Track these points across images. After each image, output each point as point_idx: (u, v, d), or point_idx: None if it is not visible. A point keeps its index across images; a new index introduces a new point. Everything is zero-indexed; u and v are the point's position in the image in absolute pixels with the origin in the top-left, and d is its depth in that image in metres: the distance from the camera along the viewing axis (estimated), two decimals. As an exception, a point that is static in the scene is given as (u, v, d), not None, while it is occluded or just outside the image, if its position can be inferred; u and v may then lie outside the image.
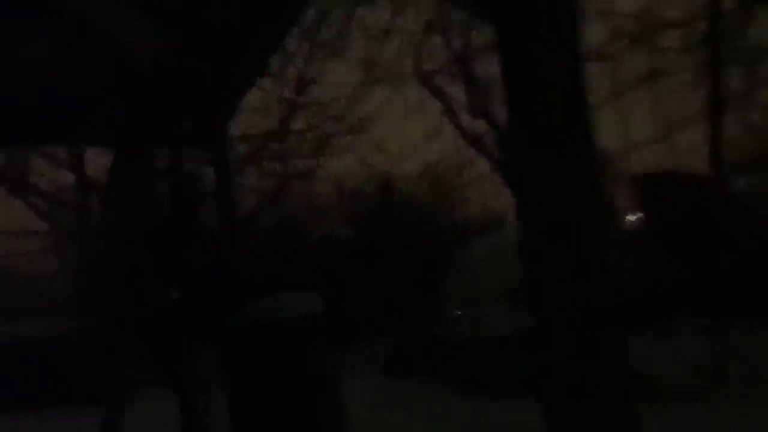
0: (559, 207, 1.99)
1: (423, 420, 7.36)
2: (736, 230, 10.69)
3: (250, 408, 5.58)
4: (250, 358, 5.44)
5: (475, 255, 12.56)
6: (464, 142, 10.22)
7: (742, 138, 11.62)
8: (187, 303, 6.27)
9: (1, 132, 6.08)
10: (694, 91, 10.54)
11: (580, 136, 2.00)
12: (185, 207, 6.66)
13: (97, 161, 11.30)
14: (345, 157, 11.34)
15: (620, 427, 1.92)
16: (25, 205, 11.46)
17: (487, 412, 7.46)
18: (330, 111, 10.46)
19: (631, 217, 13.54)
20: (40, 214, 11.88)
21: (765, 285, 9.70)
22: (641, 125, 11.68)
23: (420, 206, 14.02)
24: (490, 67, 8.82)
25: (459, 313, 12.47)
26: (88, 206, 12.29)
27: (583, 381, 1.92)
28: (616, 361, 2.00)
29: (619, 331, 2.05)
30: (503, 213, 14.69)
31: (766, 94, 10.70)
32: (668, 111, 10.57)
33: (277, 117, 11.29)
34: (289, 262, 13.47)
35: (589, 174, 2.03)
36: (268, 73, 8.02)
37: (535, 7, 1.96)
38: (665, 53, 10.45)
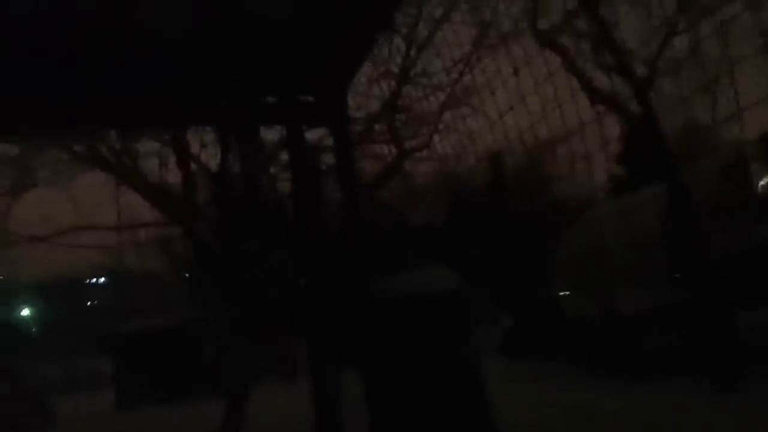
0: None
1: (569, 402, 6.84)
2: None
3: (392, 389, 5.24)
4: (395, 336, 5.09)
5: (592, 230, 11.83)
6: (592, 106, 9.42)
7: None
8: (315, 285, 5.99)
9: (113, 114, 5.94)
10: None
11: None
12: (306, 184, 6.35)
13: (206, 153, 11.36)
14: (454, 133, 10.88)
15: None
16: (136, 196, 11.58)
17: (633, 396, 6.87)
18: (439, 82, 9.99)
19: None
20: (151, 205, 12.00)
21: None
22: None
23: (534, 179, 13.36)
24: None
25: (576, 290, 11.82)
26: (197, 197, 12.37)
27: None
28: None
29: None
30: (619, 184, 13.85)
31: None
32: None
33: (381, 98, 10.91)
34: (399, 241, 13.19)
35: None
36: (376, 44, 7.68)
37: None
38: None
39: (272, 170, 9.47)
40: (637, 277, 9.07)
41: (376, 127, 10.89)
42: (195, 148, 11.26)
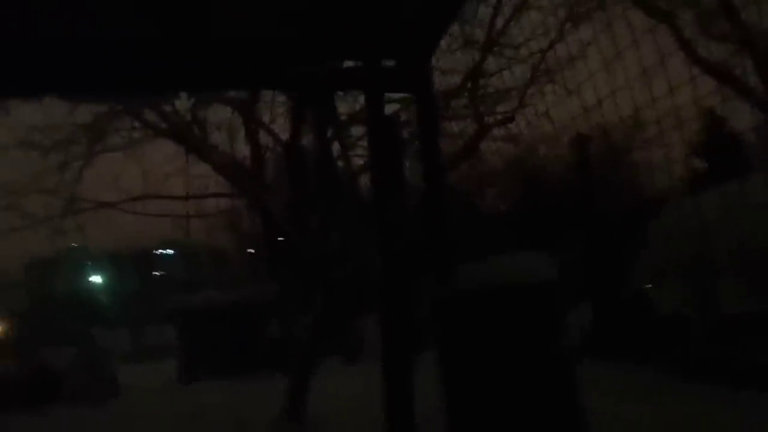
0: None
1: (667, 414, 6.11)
2: None
3: (474, 383, 4.69)
4: (481, 326, 4.52)
5: (684, 220, 10.89)
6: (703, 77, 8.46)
7: None
8: (392, 266, 5.46)
9: (185, 76, 5.52)
10: None
11: None
12: (386, 157, 5.80)
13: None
14: (538, 110, 10.06)
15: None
16: (206, 168, 11.31)
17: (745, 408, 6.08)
18: (525, 54, 9.23)
19: None
20: (220, 177, 11.73)
21: None
22: None
23: (619, 165, 12.47)
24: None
25: (665, 286, 10.95)
26: (268, 169, 12.04)
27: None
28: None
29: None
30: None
31: None
32: None
33: (461, 73, 10.23)
34: (468, 228, 12.58)
35: None
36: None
37: None
38: None
39: (346, 143, 8.98)
40: (741, 275, 8.20)
41: (452, 103, 10.18)
42: (266, 118, 10.89)
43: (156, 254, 33.57)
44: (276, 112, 10.73)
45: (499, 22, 9.04)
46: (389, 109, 9.10)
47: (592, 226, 11.37)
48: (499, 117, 10.28)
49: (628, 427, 5.65)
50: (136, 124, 10.82)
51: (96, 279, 32.36)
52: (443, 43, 9.14)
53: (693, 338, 8.34)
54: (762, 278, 7.71)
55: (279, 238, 10.08)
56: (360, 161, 9.61)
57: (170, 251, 32.88)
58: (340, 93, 8.64)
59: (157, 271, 33.34)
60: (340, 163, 8.59)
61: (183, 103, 10.24)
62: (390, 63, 5.84)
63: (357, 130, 10.25)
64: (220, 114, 11.21)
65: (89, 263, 31.41)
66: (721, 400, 6.44)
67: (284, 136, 10.45)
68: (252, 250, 17.06)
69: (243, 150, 12.06)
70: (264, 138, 11.86)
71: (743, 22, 7.38)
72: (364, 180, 9.20)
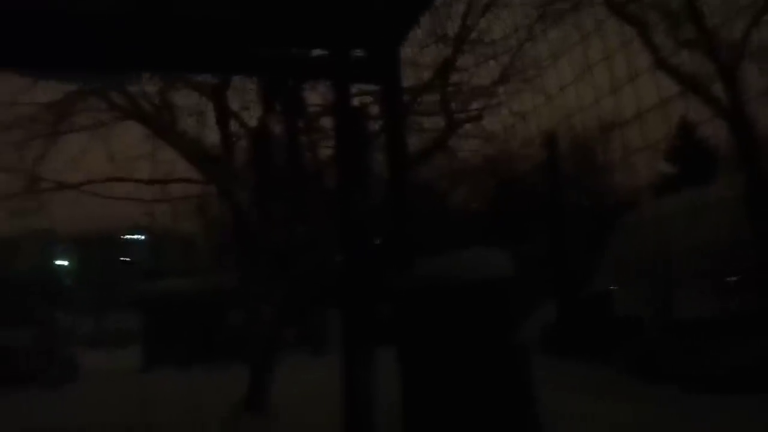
0: None
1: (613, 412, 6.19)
2: None
3: (430, 374, 4.70)
4: (438, 320, 4.52)
5: (655, 226, 11.03)
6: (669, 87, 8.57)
7: None
8: (354, 260, 5.45)
9: (154, 55, 5.45)
10: None
11: None
12: (352, 149, 5.76)
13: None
14: (508, 108, 10.08)
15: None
16: (173, 153, 11.13)
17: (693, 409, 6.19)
18: (497, 51, 9.22)
19: None
20: (188, 163, 11.57)
21: None
22: None
23: (588, 166, 12.59)
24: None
25: (629, 288, 11.09)
26: (236, 158, 11.91)
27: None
28: None
29: None
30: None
31: None
32: None
33: (431, 67, 10.22)
34: (435, 224, 12.61)
35: None
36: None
37: None
38: None
39: (313, 135, 8.93)
40: (699, 281, 8.33)
41: (420, 99, 10.14)
42: (235, 105, 10.76)
43: (123, 240, 33.15)
44: (246, 99, 10.63)
45: (472, 19, 9.09)
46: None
47: (558, 225, 11.47)
48: (471, 114, 10.30)
49: (576, 420, 5.71)
50: (103, 105, 10.65)
51: (61, 262, 31.88)
52: (415, 35, 9.13)
53: (645, 339, 8.48)
54: (718, 281, 7.86)
55: (244, 227, 9.99)
56: (329, 153, 9.57)
57: (139, 237, 32.49)
58: (309, 82, 8.57)
59: (123, 257, 32.93)
60: (309, 154, 8.55)
61: (153, 87, 10.11)
62: (358, 53, 5.81)
63: (328, 122, 10.20)
64: (190, 99, 11.07)
65: (54, 246, 30.92)
66: (667, 399, 6.57)
67: (254, 124, 10.37)
68: (218, 238, 16.93)
69: (213, 137, 11.92)
70: (234, 126, 11.74)
71: (709, 29, 7.48)
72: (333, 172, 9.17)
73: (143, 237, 31.39)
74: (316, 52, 5.84)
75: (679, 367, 7.37)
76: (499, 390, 4.57)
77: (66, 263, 31.92)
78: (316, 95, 9.56)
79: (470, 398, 4.55)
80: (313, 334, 14.74)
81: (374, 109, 8.76)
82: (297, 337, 13.94)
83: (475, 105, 10.43)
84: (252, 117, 10.50)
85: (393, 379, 4.72)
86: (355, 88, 6.84)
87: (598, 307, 10.48)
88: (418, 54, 10.97)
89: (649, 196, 13.71)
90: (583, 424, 5.70)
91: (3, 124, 9.78)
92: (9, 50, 4.95)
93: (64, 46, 5.05)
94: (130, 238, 33.12)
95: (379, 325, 5.14)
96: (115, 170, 11.66)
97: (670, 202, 10.20)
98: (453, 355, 4.56)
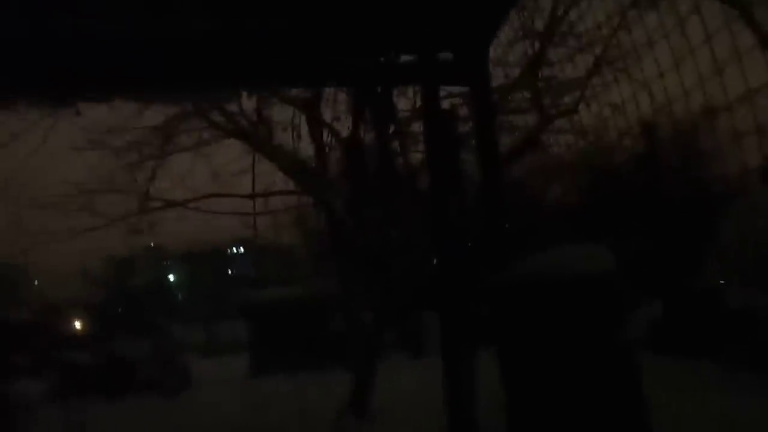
0: None
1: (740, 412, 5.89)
2: None
3: (534, 377, 4.67)
4: (540, 319, 4.50)
5: (760, 210, 10.43)
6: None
7: None
8: (450, 262, 5.47)
9: (248, 72, 5.68)
10: None
11: None
12: (443, 152, 5.78)
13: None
14: (602, 101, 9.85)
15: None
16: (271, 166, 11.54)
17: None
18: (588, 42, 8.93)
19: None
20: (285, 176, 11.95)
21: None
22: None
23: (690, 156, 12.04)
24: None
25: (739, 279, 10.54)
26: (330, 167, 12.18)
27: None
28: None
29: None
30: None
31: None
32: None
33: (520, 64, 10.10)
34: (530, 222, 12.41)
35: None
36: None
37: None
38: None
39: (404, 140, 9.01)
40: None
41: (510, 96, 10.00)
42: (327, 117, 11.03)
43: (228, 253, 34.50)
44: (338, 109, 10.88)
45: (561, 11, 8.88)
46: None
47: (662, 218, 11.03)
48: (562, 108, 10.09)
49: (685, 418, 5.48)
50: (204, 124, 11.18)
51: (172, 276, 33.53)
52: (501, 34, 9.05)
53: (759, 334, 8.01)
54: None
55: (339, 234, 10.20)
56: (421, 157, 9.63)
57: (241, 249, 33.72)
58: (398, 88, 8.67)
59: (229, 269, 34.24)
60: (400, 159, 8.64)
61: (249, 104, 10.53)
62: (447, 56, 5.82)
63: (419, 126, 10.28)
64: (285, 114, 11.45)
65: (166, 261, 32.62)
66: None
67: (346, 133, 10.58)
68: (316, 247, 17.33)
69: (308, 148, 12.25)
70: (327, 136, 12.02)
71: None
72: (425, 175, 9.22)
73: (245, 249, 32.54)
74: (404, 57, 5.93)
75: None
76: (604, 388, 4.48)
77: (176, 277, 33.54)
78: (405, 100, 9.67)
79: (575, 397, 4.48)
80: (411, 336, 14.80)
81: (464, 111, 8.79)
82: (395, 340, 14.03)
83: (567, 99, 10.22)
84: (344, 127, 10.76)
85: (494, 378, 4.71)
86: (444, 91, 6.91)
87: (707, 302, 9.99)
88: (506, 52, 10.88)
89: (759, 182, 12.93)
90: (695, 420, 5.48)
91: (117, 149, 10.42)
92: (115, 81, 5.32)
93: (162, 71, 5.37)
94: (235, 252, 34.43)
95: (478, 324, 5.15)
96: (217, 187, 12.25)
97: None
98: (555, 353, 4.51)
